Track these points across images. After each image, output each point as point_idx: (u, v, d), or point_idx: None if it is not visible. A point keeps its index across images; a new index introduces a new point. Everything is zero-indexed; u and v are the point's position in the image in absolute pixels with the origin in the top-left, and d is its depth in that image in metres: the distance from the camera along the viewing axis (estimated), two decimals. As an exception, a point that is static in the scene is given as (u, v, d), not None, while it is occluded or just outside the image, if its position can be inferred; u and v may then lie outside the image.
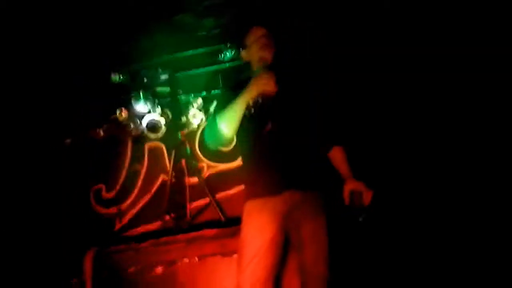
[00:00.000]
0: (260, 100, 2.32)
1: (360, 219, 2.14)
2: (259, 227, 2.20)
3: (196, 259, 3.21)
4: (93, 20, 3.73)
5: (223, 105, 2.35)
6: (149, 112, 4.05)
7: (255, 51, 2.38)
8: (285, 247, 2.27)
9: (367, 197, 2.15)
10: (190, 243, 3.29)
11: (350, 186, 2.19)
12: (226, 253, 3.18)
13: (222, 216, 3.77)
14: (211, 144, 2.46)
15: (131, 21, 3.85)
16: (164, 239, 3.33)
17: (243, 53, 2.54)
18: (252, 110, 2.30)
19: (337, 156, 2.31)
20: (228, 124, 2.28)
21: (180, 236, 3.35)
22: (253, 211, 2.26)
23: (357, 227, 2.30)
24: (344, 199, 2.19)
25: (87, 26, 3.74)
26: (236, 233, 3.21)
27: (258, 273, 2.15)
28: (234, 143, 2.59)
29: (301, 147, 2.27)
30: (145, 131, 4.05)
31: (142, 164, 4.19)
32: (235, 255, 3.14)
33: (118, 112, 4.04)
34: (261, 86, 2.27)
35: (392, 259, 3.09)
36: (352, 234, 2.70)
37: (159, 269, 3.20)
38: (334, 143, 2.35)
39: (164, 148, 4.22)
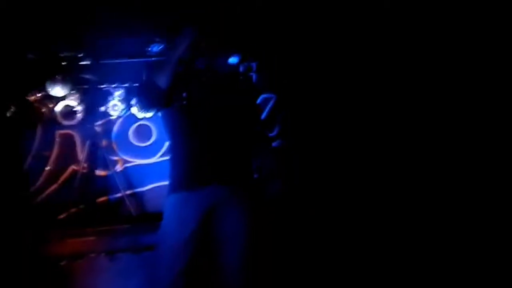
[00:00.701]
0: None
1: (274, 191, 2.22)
2: (181, 221, 2.17)
3: (103, 254, 3.08)
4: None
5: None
6: (65, 97, 3.83)
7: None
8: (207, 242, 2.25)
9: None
10: (99, 237, 3.16)
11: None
12: (138, 250, 3.10)
13: (132, 211, 3.67)
14: (146, 104, 2.28)
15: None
16: (71, 231, 3.17)
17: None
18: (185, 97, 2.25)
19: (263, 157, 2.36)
20: (162, 77, 2.15)
21: (89, 230, 3.21)
22: (176, 204, 2.22)
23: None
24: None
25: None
26: (149, 230, 3.21)
27: (177, 266, 2.13)
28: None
29: (230, 143, 2.27)
30: (59, 116, 3.83)
31: (51, 151, 3.94)
32: (147, 252, 3.11)
33: (31, 93, 3.77)
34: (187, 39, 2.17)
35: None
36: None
37: (64, 263, 3.03)
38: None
39: (77, 136, 4.02)
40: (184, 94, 2.23)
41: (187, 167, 2.21)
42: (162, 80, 2.14)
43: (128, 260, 3.09)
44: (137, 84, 3.60)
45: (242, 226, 2.19)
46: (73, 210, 3.65)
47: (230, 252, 2.18)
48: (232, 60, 3.24)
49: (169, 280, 2.12)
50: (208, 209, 2.17)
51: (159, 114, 2.37)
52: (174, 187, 2.25)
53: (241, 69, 3.55)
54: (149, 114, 2.45)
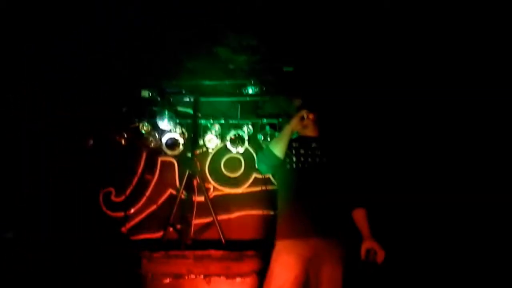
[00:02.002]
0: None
1: (371, 273, 2.54)
2: (286, 265, 2.57)
3: (202, 276, 3.50)
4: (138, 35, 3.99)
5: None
6: (170, 130, 4.34)
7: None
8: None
9: (380, 256, 2.55)
10: (197, 260, 3.58)
11: (367, 244, 2.59)
12: (230, 275, 3.50)
13: (223, 238, 4.09)
14: (264, 166, 2.85)
15: (172, 43, 4.13)
16: (173, 252, 3.61)
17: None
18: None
19: (359, 216, 2.70)
20: (277, 146, 2.70)
21: (188, 252, 3.64)
22: (282, 250, 2.63)
23: (368, 279, 2.67)
24: (361, 255, 2.59)
25: (133, 39, 4.00)
26: (240, 258, 3.61)
27: None
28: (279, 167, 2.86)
29: (332, 200, 2.66)
30: (164, 146, 4.34)
31: (153, 175, 4.46)
32: (237, 279, 3.51)
33: (141, 124, 4.31)
34: (297, 121, 2.70)
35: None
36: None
37: (167, 280, 3.48)
38: (357, 204, 2.74)
39: (175, 163, 4.52)
40: (294, 159, 2.67)
41: (293, 220, 2.62)
42: (277, 150, 2.67)
43: (222, 283, 3.48)
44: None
45: (335, 273, 2.55)
46: (171, 229, 4.08)
47: None
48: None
49: None
50: (309, 257, 2.55)
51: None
52: (281, 235, 2.65)
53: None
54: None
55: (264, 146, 3.04)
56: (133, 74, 4.32)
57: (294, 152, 2.75)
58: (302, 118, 2.72)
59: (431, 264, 3.54)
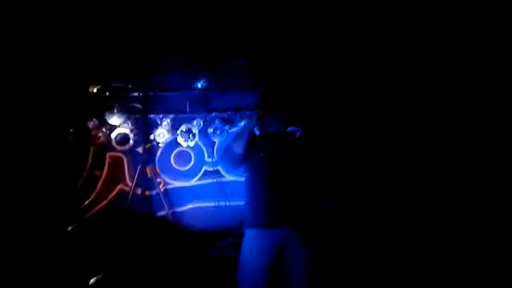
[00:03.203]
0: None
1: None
2: (258, 251, 2.73)
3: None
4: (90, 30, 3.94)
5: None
6: (120, 125, 4.33)
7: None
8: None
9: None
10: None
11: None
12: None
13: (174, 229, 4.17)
14: (228, 164, 3.09)
15: (120, 36, 4.10)
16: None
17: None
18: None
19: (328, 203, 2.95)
20: (238, 144, 2.84)
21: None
22: (254, 237, 2.79)
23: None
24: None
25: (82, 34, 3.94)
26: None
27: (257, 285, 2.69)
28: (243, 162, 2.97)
29: (299, 192, 2.82)
30: (113, 142, 4.32)
31: (102, 171, 4.42)
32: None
33: (89, 120, 4.26)
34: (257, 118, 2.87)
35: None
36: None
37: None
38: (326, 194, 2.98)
39: (124, 159, 4.51)
40: (260, 150, 2.80)
41: (262, 210, 2.78)
42: (238, 147, 2.81)
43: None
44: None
45: (304, 260, 2.75)
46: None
47: (295, 280, 2.75)
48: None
49: None
50: (278, 245, 2.72)
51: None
52: (251, 224, 2.80)
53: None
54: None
55: (223, 148, 3.10)
56: (82, 69, 4.25)
57: (261, 142, 2.89)
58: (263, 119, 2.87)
59: (426, 263, 3.61)
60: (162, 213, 4.38)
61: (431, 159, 3.90)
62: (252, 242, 2.77)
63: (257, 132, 2.91)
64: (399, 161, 3.95)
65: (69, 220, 4.16)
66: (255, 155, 2.85)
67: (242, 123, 3.71)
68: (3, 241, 3.53)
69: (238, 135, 2.89)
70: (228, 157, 2.92)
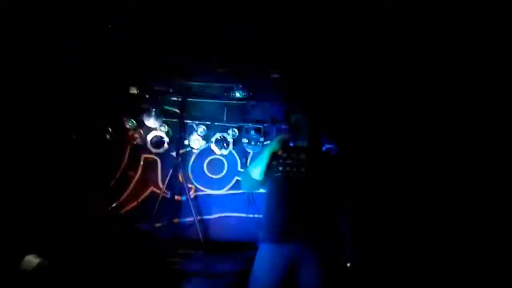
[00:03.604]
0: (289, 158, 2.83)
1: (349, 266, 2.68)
2: (270, 268, 2.66)
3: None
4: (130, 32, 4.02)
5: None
6: (156, 128, 4.38)
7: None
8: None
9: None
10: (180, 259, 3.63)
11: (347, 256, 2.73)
12: (209, 276, 3.56)
13: (201, 237, 4.15)
14: (246, 188, 3.06)
15: (163, 41, 4.16)
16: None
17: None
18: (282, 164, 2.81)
19: (344, 226, 2.80)
20: (256, 170, 2.85)
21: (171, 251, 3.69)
22: (267, 252, 2.72)
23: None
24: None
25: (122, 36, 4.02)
26: (219, 259, 3.68)
27: None
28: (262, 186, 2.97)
29: (316, 210, 2.75)
30: (149, 144, 4.37)
31: (135, 172, 4.48)
32: (216, 279, 3.57)
33: (127, 120, 4.34)
34: (275, 144, 2.82)
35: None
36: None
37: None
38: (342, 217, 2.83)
39: (158, 162, 4.55)
40: (280, 168, 2.77)
41: (278, 225, 2.71)
42: (256, 173, 2.82)
43: (200, 284, 3.53)
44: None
45: (316, 276, 2.64)
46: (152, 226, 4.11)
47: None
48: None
49: None
50: (292, 260, 2.64)
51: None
52: (265, 238, 2.73)
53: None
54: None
55: (244, 170, 3.20)
56: (123, 71, 4.34)
57: (281, 162, 2.84)
58: (282, 143, 2.82)
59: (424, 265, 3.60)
60: (189, 219, 4.35)
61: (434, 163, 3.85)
62: (265, 257, 2.71)
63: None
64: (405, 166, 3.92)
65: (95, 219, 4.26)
66: (275, 171, 2.81)
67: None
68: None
69: (256, 163, 2.88)
70: (246, 184, 2.96)
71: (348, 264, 2.72)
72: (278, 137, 2.88)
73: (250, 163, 3.03)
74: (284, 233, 2.67)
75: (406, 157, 4.00)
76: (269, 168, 2.82)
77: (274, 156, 2.83)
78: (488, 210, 3.61)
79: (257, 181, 2.85)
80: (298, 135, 2.87)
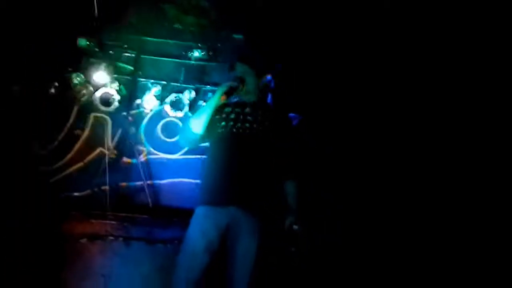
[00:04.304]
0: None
1: (292, 249, 2.42)
2: (202, 231, 2.43)
3: (121, 239, 3.33)
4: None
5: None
6: (106, 84, 4.08)
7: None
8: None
9: (302, 233, 2.40)
10: (118, 222, 3.41)
11: (291, 219, 2.43)
12: (151, 241, 3.35)
13: (150, 203, 3.91)
14: (183, 141, 2.74)
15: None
16: (95, 212, 3.41)
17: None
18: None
19: (289, 189, 2.55)
20: (196, 122, 2.54)
21: (110, 213, 3.45)
22: (200, 215, 2.49)
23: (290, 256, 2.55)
24: (285, 228, 2.46)
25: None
26: (163, 225, 3.47)
27: (193, 271, 2.38)
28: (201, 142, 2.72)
29: (259, 171, 2.52)
30: (97, 101, 4.08)
31: (83, 131, 4.19)
32: (159, 245, 3.37)
33: (75, 75, 4.02)
34: (219, 94, 2.51)
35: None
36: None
37: (83, 240, 3.28)
38: (289, 176, 2.58)
39: (109, 122, 4.26)
40: (223, 123, 2.54)
41: (215, 186, 2.48)
42: (196, 125, 2.52)
43: (142, 248, 3.32)
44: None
45: (251, 245, 2.43)
46: (95, 189, 3.85)
47: (239, 267, 2.42)
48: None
49: (185, 279, 2.37)
50: (226, 225, 2.43)
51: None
52: (202, 200, 2.51)
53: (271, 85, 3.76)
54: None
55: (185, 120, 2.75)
56: (72, 20, 4.00)
57: (224, 116, 2.61)
58: (227, 94, 2.52)
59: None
60: (139, 183, 4.10)
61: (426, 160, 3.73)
62: (196, 220, 2.48)
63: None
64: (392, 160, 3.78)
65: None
66: (217, 127, 2.57)
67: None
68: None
69: (198, 112, 2.60)
70: (183, 135, 2.66)
71: (293, 249, 2.43)
72: (225, 85, 2.55)
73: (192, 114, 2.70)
74: (219, 194, 2.45)
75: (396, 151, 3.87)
76: (211, 123, 2.57)
77: (217, 110, 2.58)
78: (486, 210, 3.53)
79: (195, 134, 2.56)
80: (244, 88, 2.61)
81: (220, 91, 2.51)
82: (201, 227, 2.44)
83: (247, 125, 2.56)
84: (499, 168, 3.55)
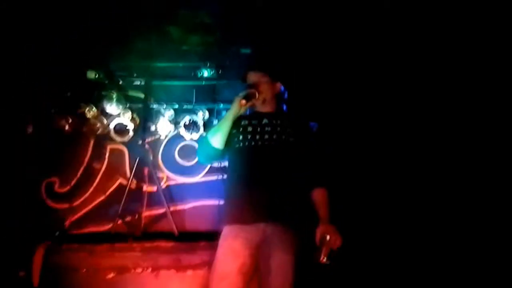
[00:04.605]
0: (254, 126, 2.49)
1: (325, 261, 2.28)
2: (232, 252, 2.33)
3: (150, 269, 3.24)
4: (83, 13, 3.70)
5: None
6: (119, 114, 4.05)
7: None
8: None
9: (335, 242, 2.27)
10: (145, 252, 3.32)
11: (322, 229, 2.30)
12: (180, 268, 3.26)
13: (175, 230, 3.82)
14: (202, 158, 2.69)
15: (120, 21, 3.85)
16: (119, 244, 3.34)
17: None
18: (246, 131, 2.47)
19: (318, 197, 2.42)
20: (215, 137, 2.48)
21: (135, 245, 3.38)
22: (229, 236, 2.39)
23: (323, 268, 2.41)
24: (316, 240, 2.33)
25: (75, 18, 3.70)
26: (190, 250, 3.36)
27: None
28: (221, 157, 2.65)
29: (284, 183, 2.41)
30: (112, 132, 4.04)
31: (101, 164, 4.15)
32: (188, 271, 3.26)
33: (87, 108, 4.01)
34: (237, 103, 2.45)
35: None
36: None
37: (111, 275, 3.20)
38: (317, 184, 2.45)
39: (126, 151, 4.22)
40: (241, 137, 2.46)
41: (241, 204, 2.37)
42: (215, 140, 2.46)
43: (172, 277, 3.22)
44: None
45: (285, 260, 2.31)
46: (119, 222, 3.79)
47: (274, 284, 2.30)
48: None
49: None
50: (257, 243, 2.32)
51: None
52: (227, 220, 2.41)
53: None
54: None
55: (202, 136, 2.67)
56: (79, 55, 4.00)
57: (241, 130, 2.51)
58: (245, 99, 2.45)
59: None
60: (161, 210, 4.03)
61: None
62: (227, 239, 2.38)
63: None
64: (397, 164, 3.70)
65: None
66: (235, 142, 2.48)
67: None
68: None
69: (215, 127, 2.54)
70: (203, 152, 2.58)
71: (324, 259, 2.28)
72: (241, 93, 2.47)
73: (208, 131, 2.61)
74: (245, 212, 2.34)
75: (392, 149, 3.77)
76: (229, 138, 2.48)
77: (233, 124, 2.49)
78: (486, 210, 3.45)
79: (216, 150, 2.48)
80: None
81: (237, 99, 2.43)
82: (231, 248, 2.34)
83: (266, 136, 2.46)
84: (499, 168, 3.48)
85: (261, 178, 2.38)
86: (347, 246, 2.31)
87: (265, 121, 2.51)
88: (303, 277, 2.37)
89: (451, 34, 3.64)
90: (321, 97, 3.82)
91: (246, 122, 2.53)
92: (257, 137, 2.46)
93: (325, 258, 2.27)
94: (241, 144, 2.47)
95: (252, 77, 2.59)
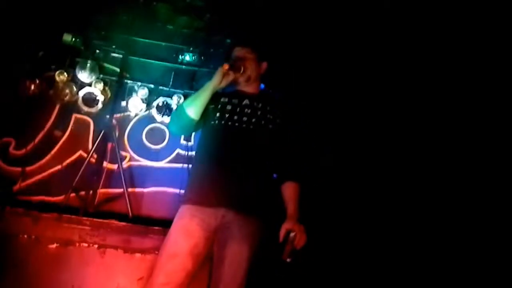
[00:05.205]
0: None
1: (288, 260, 2.15)
2: (186, 231, 2.17)
3: (96, 246, 3.06)
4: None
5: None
6: (90, 84, 3.87)
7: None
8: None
9: (299, 242, 2.13)
10: (94, 228, 3.13)
11: (287, 225, 2.16)
12: (129, 250, 3.09)
13: (130, 212, 3.65)
14: (174, 127, 2.44)
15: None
16: (67, 216, 3.14)
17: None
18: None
19: (287, 192, 2.29)
20: (191, 107, 2.28)
21: (85, 219, 3.19)
22: (185, 215, 2.23)
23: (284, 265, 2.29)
24: (279, 236, 2.19)
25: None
26: (143, 233, 3.20)
27: (173, 275, 2.12)
28: (195, 130, 2.46)
29: (255, 171, 2.28)
30: (80, 101, 3.86)
31: (63, 132, 3.95)
32: (137, 254, 3.10)
33: (58, 72, 3.81)
34: (221, 71, 2.28)
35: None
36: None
37: (53, 245, 3.00)
38: (289, 178, 2.32)
39: (91, 123, 4.04)
40: (218, 114, 2.31)
41: (204, 184, 2.23)
42: (191, 109, 2.26)
43: (119, 257, 3.05)
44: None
45: (241, 251, 2.18)
46: (72, 195, 3.59)
47: (226, 275, 2.16)
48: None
49: (163, 285, 2.12)
50: (215, 227, 2.18)
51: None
52: (188, 199, 2.26)
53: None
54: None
55: (177, 106, 2.49)
56: (58, 15, 3.82)
57: (220, 107, 2.36)
58: (230, 68, 2.28)
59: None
60: (119, 190, 3.85)
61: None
62: (183, 218, 2.22)
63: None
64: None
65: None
66: (211, 119, 2.34)
67: None
68: None
69: (194, 95, 2.34)
70: (176, 119, 2.36)
71: (286, 257, 2.13)
72: (226, 63, 2.29)
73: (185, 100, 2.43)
74: (208, 194, 2.20)
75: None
76: (206, 112, 2.33)
77: (212, 99, 2.32)
78: (486, 210, 3.45)
79: (190, 120, 2.28)
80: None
81: (221, 67, 2.26)
82: (186, 227, 2.19)
83: (245, 118, 2.32)
84: (499, 168, 3.48)
85: (231, 162, 2.24)
86: (346, 246, 2.23)
87: (246, 102, 2.37)
88: (267, 273, 2.24)
89: (451, 34, 3.63)
90: (321, 97, 3.77)
91: (226, 99, 2.38)
92: (235, 117, 2.32)
93: (287, 256, 2.14)
94: (216, 122, 2.33)
95: (239, 51, 2.44)
